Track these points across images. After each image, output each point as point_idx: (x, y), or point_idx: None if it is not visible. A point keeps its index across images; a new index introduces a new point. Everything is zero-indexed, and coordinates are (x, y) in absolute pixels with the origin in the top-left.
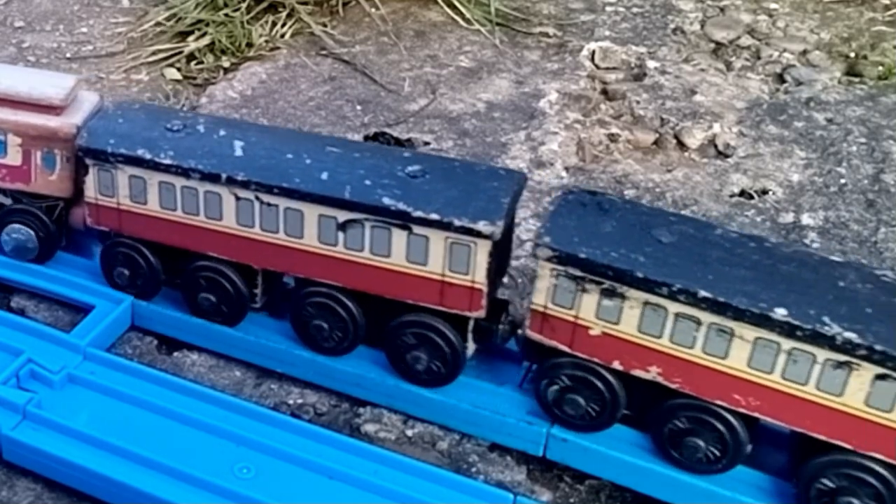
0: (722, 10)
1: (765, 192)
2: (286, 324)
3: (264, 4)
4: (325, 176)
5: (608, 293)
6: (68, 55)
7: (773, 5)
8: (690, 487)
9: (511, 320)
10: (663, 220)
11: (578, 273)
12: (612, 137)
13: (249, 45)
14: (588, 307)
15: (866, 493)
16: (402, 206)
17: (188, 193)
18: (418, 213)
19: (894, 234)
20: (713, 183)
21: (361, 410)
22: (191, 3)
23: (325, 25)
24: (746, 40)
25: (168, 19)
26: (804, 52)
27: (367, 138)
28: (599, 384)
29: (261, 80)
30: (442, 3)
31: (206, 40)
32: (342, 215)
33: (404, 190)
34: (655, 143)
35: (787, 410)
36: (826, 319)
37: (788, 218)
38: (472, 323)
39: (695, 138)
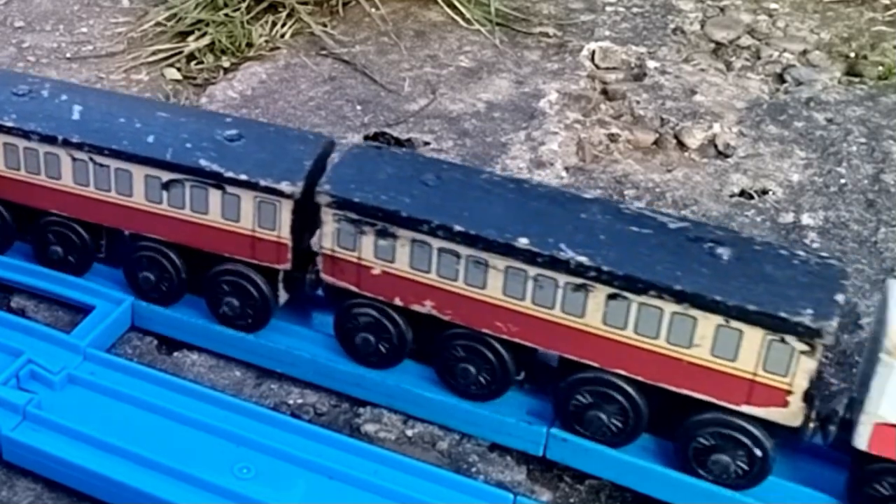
0: (722, 10)
1: (765, 192)
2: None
3: (264, 4)
4: (151, 139)
5: (382, 234)
6: (68, 55)
7: (773, 5)
8: (690, 487)
9: (317, 270)
10: (434, 167)
11: (355, 216)
12: (612, 137)
13: (249, 45)
14: (367, 248)
15: (613, 409)
16: (216, 167)
17: (30, 154)
18: (230, 174)
19: (894, 234)
20: (713, 183)
21: (361, 410)
22: (191, 3)
23: (325, 25)
24: (746, 40)
25: (168, 19)
26: (804, 52)
27: (367, 138)
28: (385, 321)
29: (261, 80)
30: (442, 3)
31: (206, 40)
32: (165, 175)
33: (220, 153)
34: (655, 143)
35: (541, 334)
36: (562, 246)
37: (788, 218)
38: (281, 274)
39: (695, 138)
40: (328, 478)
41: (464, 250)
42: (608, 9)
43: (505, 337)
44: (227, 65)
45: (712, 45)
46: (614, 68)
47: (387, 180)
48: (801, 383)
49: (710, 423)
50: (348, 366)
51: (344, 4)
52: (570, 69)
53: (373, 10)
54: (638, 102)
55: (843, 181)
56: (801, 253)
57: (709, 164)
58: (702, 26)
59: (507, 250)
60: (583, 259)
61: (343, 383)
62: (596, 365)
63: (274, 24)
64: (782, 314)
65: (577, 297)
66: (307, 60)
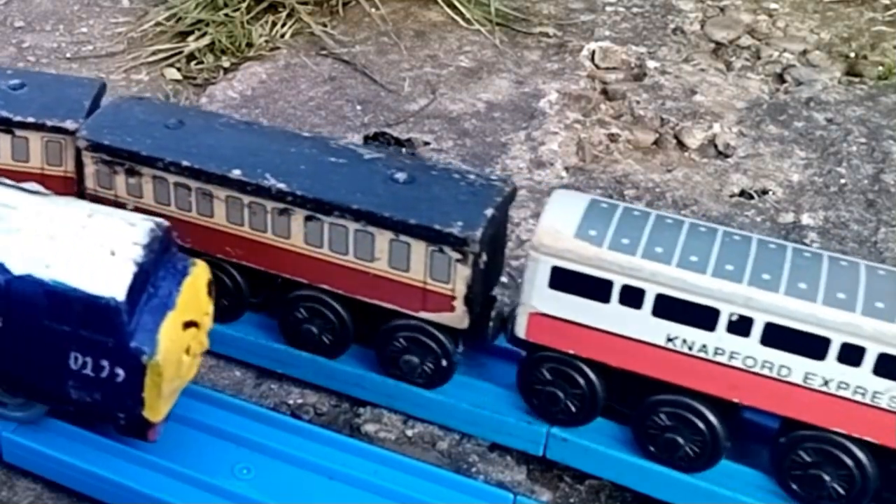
0: (722, 10)
1: (765, 192)
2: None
3: (264, 4)
4: None
5: (130, 172)
6: (68, 55)
7: (773, 5)
8: (690, 487)
9: None
10: (181, 114)
11: (108, 158)
12: (612, 137)
13: (249, 45)
14: (121, 186)
15: (323, 322)
16: (4, 113)
17: None
18: (18, 118)
19: (894, 234)
20: (713, 183)
21: (361, 410)
22: (191, 3)
23: (325, 25)
24: (746, 40)
25: (168, 19)
26: (804, 52)
27: (367, 138)
28: None
29: (261, 80)
30: (442, 3)
31: (206, 40)
32: None
33: (6, 100)
34: (655, 143)
35: (260, 256)
36: (267, 175)
37: (788, 218)
38: None
39: (695, 138)
40: (328, 478)
41: (193, 183)
42: (608, 9)
43: (234, 261)
44: (227, 65)
45: (712, 45)
46: (614, 68)
47: (136, 125)
48: (460, 288)
49: (402, 329)
50: (348, 366)
51: (344, 4)
52: (570, 69)
53: (373, 10)
54: (638, 102)
55: (843, 181)
56: (472, 176)
57: (709, 164)
58: (702, 26)
59: (225, 181)
60: (282, 186)
61: (343, 383)
62: (306, 281)
63: (274, 24)
64: (437, 226)
65: (283, 221)
66: (307, 60)
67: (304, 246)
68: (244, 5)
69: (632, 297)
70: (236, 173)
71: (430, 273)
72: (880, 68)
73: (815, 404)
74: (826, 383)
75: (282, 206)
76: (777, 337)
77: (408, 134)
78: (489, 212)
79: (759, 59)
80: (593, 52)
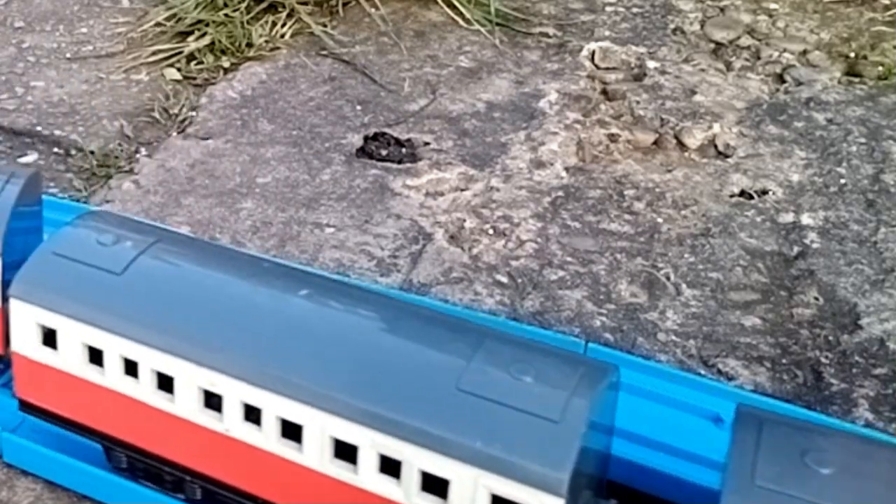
0: (722, 10)
1: (765, 192)
2: None
3: (264, 4)
4: None
5: None
6: (68, 55)
7: (773, 5)
8: None
9: None
10: None
11: None
12: (612, 137)
13: (249, 45)
14: None
15: None
16: None
17: None
18: None
19: (894, 234)
20: (713, 183)
21: None
22: (191, 3)
23: (325, 25)
24: (746, 40)
25: (168, 19)
26: (804, 52)
27: (367, 139)
28: None
29: (261, 80)
30: (442, 4)
31: (206, 40)
32: None
33: None
34: (655, 143)
35: None
36: None
37: (788, 218)
38: None
39: (695, 138)
40: None
41: None
42: (608, 9)
43: None
44: (227, 65)
45: (712, 45)
46: (614, 68)
47: None
48: None
49: None
50: None
51: (344, 4)
52: (570, 69)
53: (373, 10)
54: (638, 102)
55: (843, 181)
56: None
57: (709, 164)
58: (702, 26)
59: None
60: None
61: None
62: None
63: (274, 24)
64: None
65: None
66: (307, 60)
67: None
68: (244, 5)
69: None
70: None
71: None
72: (880, 68)
73: None
74: None
75: None
76: None
77: (408, 134)
78: None
79: (759, 59)
80: (593, 52)
